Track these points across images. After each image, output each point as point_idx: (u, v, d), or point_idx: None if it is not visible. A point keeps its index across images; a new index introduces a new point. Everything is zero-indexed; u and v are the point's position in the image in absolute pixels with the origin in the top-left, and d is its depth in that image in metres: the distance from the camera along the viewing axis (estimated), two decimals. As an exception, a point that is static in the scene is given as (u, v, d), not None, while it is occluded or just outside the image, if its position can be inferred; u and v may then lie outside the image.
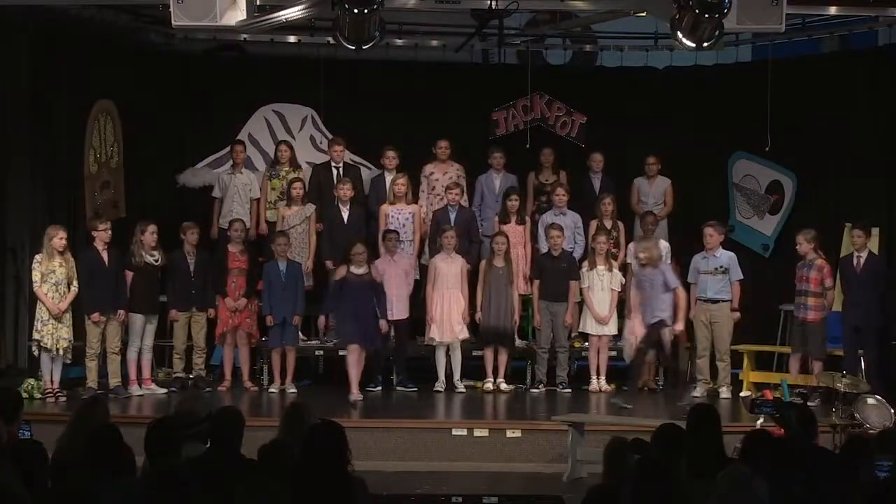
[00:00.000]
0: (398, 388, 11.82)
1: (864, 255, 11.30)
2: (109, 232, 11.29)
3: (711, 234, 11.72)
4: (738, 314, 11.69)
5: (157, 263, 11.57)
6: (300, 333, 12.09)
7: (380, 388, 11.80)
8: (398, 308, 11.71)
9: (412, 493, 8.53)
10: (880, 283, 11.30)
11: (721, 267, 11.65)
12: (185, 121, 13.90)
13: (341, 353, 11.97)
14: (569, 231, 12.16)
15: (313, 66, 13.38)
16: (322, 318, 11.79)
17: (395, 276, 11.64)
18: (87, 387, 11.11)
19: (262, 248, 12.52)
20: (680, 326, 11.63)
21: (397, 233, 11.97)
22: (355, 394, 11.13)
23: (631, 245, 12.30)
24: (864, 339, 11.10)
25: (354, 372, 11.19)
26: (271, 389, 11.70)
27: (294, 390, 11.65)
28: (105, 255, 11.24)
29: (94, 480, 5.35)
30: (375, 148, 13.08)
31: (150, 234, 11.47)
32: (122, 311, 11.27)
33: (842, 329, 11.48)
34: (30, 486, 5.05)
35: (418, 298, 12.12)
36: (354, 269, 11.18)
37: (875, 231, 12.27)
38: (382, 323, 11.39)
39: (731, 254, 11.85)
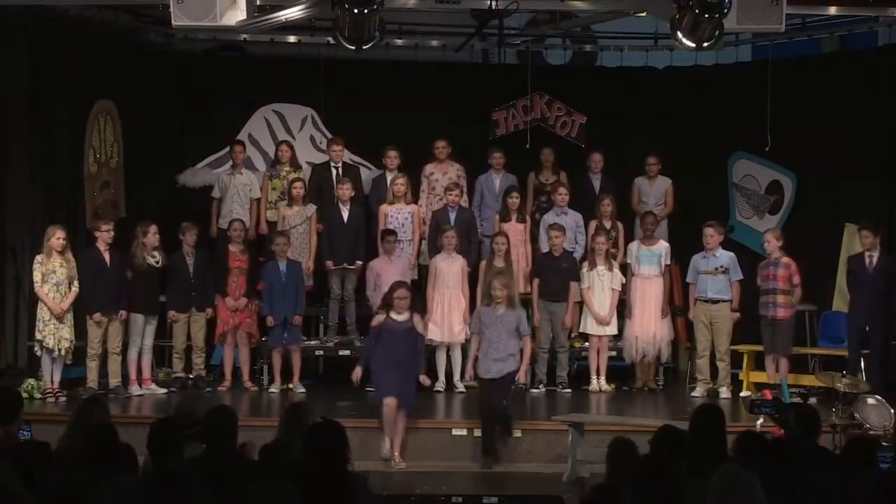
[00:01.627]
0: None
1: (875, 254, 11.27)
2: (112, 233, 11.31)
3: (711, 235, 11.72)
4: (737, 315, 11.69)
5: (157, 265, 11.57)
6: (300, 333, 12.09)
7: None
8: None
9: (412, 493, 8.54)
10: (891, 283, 11.31)
11: (721, 267, 11.65)
12: (185, 121, 13.91)
13: (341, 352, 12.02)
14: (570, 231, 12.15)
15: (313, 66, 13.39)
16: (357, 370, 10.04)
17: (392, 276, 11.51)
18: (88, 387, 11.11)
19: (262, 248, 12.52)
20: (522, 376, 10.61)
21: (395, 233, 11.94)
22: (387, 450, 9.77)
23: (632, 244, 12.27)
24: (871, 339, 11.14)
25: (389, 429, 9.76)
26: (272, 389, 11.69)
27: (303, 390, 11.64)
28: (107, 256, 11.26)
29: (93, 480, 5.35)
30: (375, 148, 13.09)
31: (151, 235, 11.47)
32: (123, 311, 11.28)
33: (847, 329, 11.48)
34: (31, 486, 5.06)
35: (418, 298, 12.11)
36: (395, 316, 9.85)
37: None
38: (423, 378, 10.13)
39: (732, 254, 11.85)
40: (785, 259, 11.44)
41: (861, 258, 11.37)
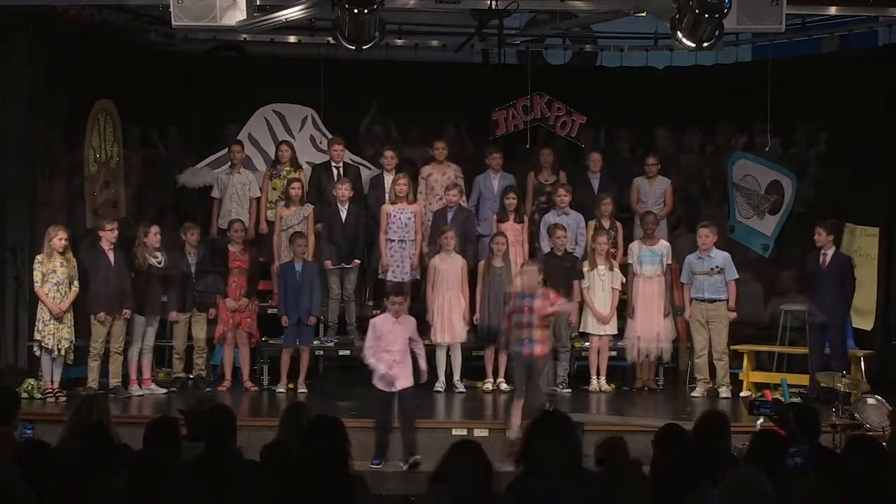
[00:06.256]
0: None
1: (829, 252, 11.34)
2: (116, 231, 11.30)
3: (707, 235, 11.71)
4: (734, 314, 11.69)
5: (160, 266, 11.55)
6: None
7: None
8: (404, 375, 9.81)
9: (412, 493, 8.53)
10: (847, 282, 11.34)
11: (716, 267, 11.64)
12: (185, 121, 13.90)
13: (341, 352, 12.01)
14: (571, 231, 12.15)
15: (313, 66, 13.39)
16: None
17: (395, 336, 9.79)
18: (88, 387, 11.10)
19: (262, 248, 12.51)
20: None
21: (404, 295, 10.45)
22: None
23: (633, 244, 12.30)
24: (828, 336, 11.22)
25: None
26: (279, 389, 11.68)
27: (305, 390, 11.65)
28: (111, 255, 11.26)
29: (91, 479, 5.36)
30: (375, 148, 13.08)
31: (153, 236, 11.46)
32: (127, 311, 11.28)
33: (807, 327, 11.58)
34: (34, 485, 5.07)
35: (418, 298, 12.10)
36: None
37: (874, 231, 12.31)
38: None
39: (726, 254, 11.84)
40: (542, 290, 10.04)
41: (815, 256, 11.42)
